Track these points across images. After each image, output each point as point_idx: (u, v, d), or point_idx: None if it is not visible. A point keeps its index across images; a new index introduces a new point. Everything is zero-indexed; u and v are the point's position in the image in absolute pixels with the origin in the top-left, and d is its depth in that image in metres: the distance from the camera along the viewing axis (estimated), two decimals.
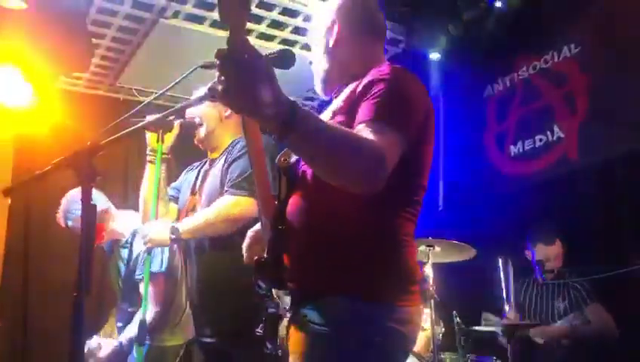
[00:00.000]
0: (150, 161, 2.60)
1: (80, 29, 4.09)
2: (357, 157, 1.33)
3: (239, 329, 2.09)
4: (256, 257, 1.55)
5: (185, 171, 2.83)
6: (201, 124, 2.62)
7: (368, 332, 1.44)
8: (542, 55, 4.22)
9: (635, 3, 3.53)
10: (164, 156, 2.53)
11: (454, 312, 3.48)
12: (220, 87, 1.17)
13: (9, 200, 4.42)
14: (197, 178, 2.67)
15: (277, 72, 1.31)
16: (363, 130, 1.40)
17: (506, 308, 3.51)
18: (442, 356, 3.43)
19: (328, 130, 1.33)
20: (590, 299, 3.49)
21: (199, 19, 4.28)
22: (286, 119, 1.21)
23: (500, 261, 3.45)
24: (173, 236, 2.40)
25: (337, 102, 1.62)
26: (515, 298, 3.79)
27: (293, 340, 1.48)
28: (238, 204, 2.37)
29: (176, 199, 2.72)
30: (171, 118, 2.50)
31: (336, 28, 1.72)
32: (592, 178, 3.70)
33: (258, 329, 1.50)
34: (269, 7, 4.21)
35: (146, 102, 1.71)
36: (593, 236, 3.59)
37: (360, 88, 1.53)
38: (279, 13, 4.26)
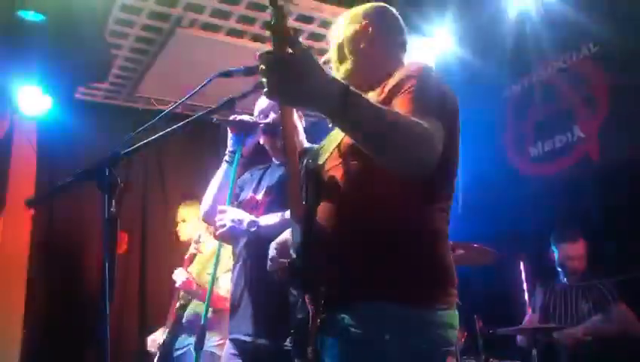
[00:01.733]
0: (227, 161, 2.50)
1: (99, 40, 4.15)
2: (412, 140, 1.33)
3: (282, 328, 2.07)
4: (288, 261, 1.51)
5: (248, 172, 2.72)
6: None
7: (413, 337, 1.39)
8: (560, 55, 4.18)
9: None
10: (242, 159, 2.45)
11: (475, 316, 3.44)
12: (265, 88, 1.24)
13: (32, 211, 4.48)
14: (262, 177, 2.59)
15: None
16: None
17: (529, 311, 3.47)
18: (465, 360, 3.40)
19: (382, 112, 1.33)
20: (614, 299, 3.43)
21: (216, 28, 4.31)
22: (336, 107, 1.25)
23: (522, 264, 3.41)
24: (252, 229, 2.31)
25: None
26: (539, 301, 3.76)
27: (331, 345, 1.43)
28: None
29: (236, 196, 2.62)
30: (253, 119, 2.46)
31: (370, 30, 1.72)
32: (615, 179, 3.64)
33: (287, 343, 1.45)
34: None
35: (165, 111, 1.72)
36: (615, 237, 3.54)
37: (389, 87, 1.53)
38: (295, 20, 4.28)
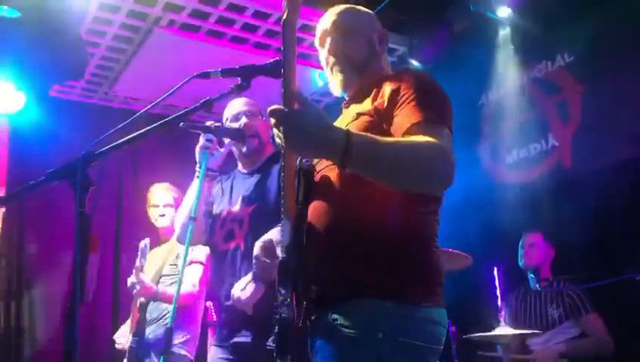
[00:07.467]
0: (198, 177, 2.44)
1: (75, 37, 4.10)
2: (429, 168, 1.39)
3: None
4: (279, 259, 1.51)
5: (216, 181, 2.63)
6: (255, 136, 2.51)
7: (403, 334, 1.41)
8: (536, 64, 4.24)
9: (629, 13, 3.54)
10: (210, 173, 2.41)
11: (449, 321, 3.46)
12: (279, 140, 1.34)
13: (3, 210, 4.40)
14: (232, 188, 2.53)
15: (272, 81, 1.33)
16: (417, 134, 1.43)
17: (502, 317, 3.49)
18: None
19: (388, 147, 1.37)
20: (586, 309, 3.46)
21: (194, 29, 4.28)
22: (342, 154, 1.30)
23: (496, 270, 3.44)
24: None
25: (361, 105, 1.63)
26: (510, 306, 3.79)
27: (322, 346, 1.44)
28: None
29: (209, 213, 2.54)
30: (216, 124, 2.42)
31: (377, 39, 1.79)
32: (586, 186, 3.71)
33: (269, 343, 1.44)
34: (265, 17, 4.22)
35: (142, 111, 1.70)
36: (586, 244, 3.59)
37: (388, 92, 1.55)
38: (275, 22, 4.27)
